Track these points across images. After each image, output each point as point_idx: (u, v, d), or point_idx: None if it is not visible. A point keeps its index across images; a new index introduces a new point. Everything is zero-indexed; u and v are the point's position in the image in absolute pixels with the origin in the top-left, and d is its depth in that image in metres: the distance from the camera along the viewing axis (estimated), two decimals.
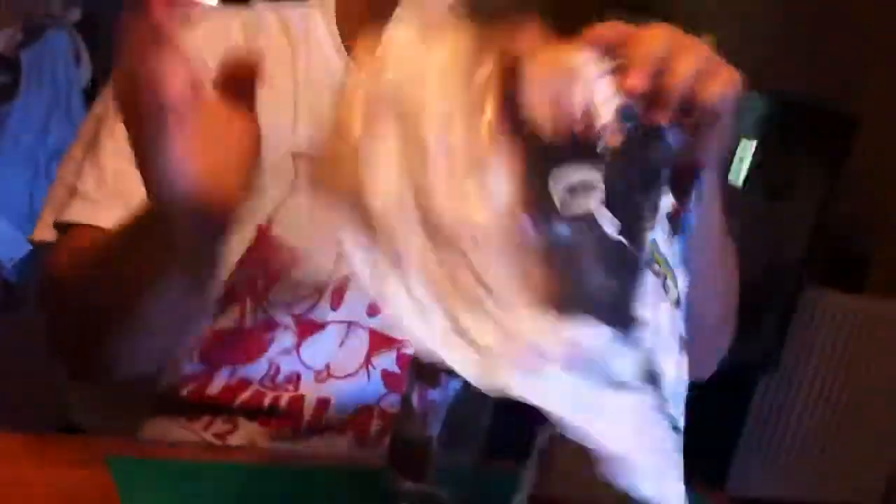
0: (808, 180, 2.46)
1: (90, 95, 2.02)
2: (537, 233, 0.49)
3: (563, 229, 0.50)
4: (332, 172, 0.51)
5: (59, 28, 2.18)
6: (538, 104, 0.51)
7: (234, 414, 0.84)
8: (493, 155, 0.50)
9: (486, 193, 0.50)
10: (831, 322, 2.84)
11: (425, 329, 0.47)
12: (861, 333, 2.90)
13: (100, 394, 0.89)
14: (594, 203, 0.50)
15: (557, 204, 0.50)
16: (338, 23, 0.86)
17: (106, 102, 0.83)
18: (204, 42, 0.81)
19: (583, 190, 0.51)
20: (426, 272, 0.48)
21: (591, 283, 0.50)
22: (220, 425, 0.84)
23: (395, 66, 0.52)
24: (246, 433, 0.83)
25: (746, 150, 2.42)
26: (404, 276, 0.48)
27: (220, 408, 0.84)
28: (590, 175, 0.51)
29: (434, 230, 0.49)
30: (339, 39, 0.85)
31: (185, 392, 0.83)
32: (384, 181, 0.49)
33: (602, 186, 0.51)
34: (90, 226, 0.76)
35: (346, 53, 0.85)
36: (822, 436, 2.95)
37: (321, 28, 0.85)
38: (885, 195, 2.88)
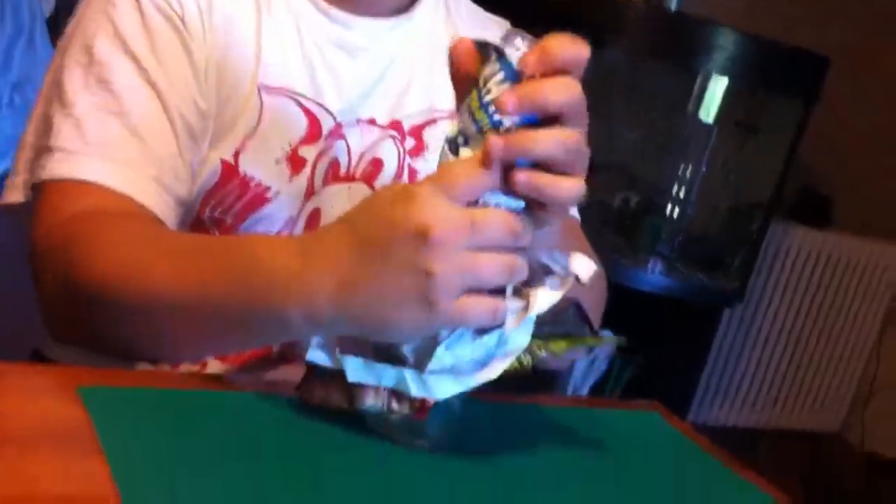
0: (779, 118, 2.47)
1: (53, 27, 1.97)
2: None
3: None
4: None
5: None
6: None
7: None
8: None
9: None
10: (796, 256, 2.89)
11: None
12: (825, 267, 2.95)
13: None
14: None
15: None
16: None
17: (66, 53, 0.79)
18: None
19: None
20: None
21: None
22: (187, 364, 0.84)
23: None
24: (214, 370, 0.83)
25: (718, 87, 2.42)
26: None
27: None
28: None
29: None
30: None
31: None
32: None
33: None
34: (73, 181, 0.74)
35: None
36: (784, 365, 3.02)
37: None
38: (850, 136, 2.91)
